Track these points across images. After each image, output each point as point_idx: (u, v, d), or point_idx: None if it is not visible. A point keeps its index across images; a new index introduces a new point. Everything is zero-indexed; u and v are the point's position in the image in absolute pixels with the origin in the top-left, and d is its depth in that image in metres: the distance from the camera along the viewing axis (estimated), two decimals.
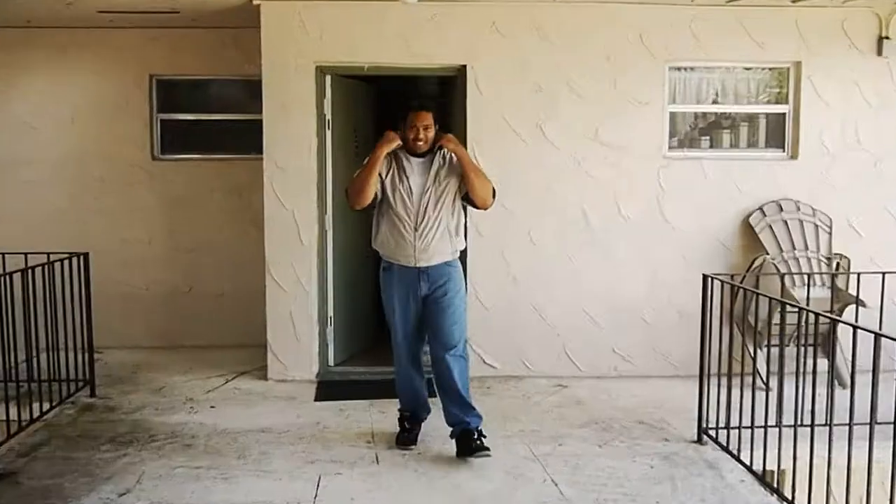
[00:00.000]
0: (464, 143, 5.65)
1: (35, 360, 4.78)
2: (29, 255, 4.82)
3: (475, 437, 4.15)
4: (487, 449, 4.10)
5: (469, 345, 5.81)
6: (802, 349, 4.69)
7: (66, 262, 5.07)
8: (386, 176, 4.15)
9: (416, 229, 4.09)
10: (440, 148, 4.19)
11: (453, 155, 4.17)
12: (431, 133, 4.15)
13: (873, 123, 5.96)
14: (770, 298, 4.20)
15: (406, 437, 4.41)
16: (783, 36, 5.85)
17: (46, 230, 6.61)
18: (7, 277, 4.38)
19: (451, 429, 4.28)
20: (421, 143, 4.13)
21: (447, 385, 4.23)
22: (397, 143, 4.11)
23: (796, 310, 4.04)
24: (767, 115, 6.10)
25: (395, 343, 4.37)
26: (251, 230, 6.65)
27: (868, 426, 3.14)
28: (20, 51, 6.70)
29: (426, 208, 4.10)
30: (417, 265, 4.13)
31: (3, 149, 6.75)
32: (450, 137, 4.17)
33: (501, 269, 5.81)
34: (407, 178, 4.15)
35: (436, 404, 4.43)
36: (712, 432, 4.44)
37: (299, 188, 5.75)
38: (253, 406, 5.23)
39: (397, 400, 4.54)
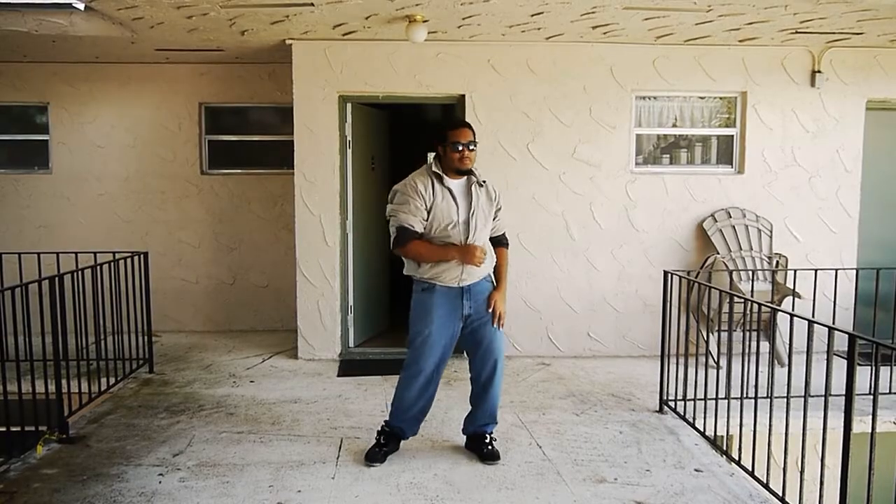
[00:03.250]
0: None
1: (103, 342, 4.79)
2: (98, 254, 4.84)
3: (487, 441, 3.70)
4: (498, 456, 3.67)
5: None
6: (747, 333, 4.70)
7: (128, 260, 5.07)
8: (430, 200, 3.40)
9: None
10: (471, 173, 3.49)
11: (491, 188, 3.57)
12: (475, 153, 3.46)
13: (808, 145, 5.95)
14: (720, 291, 4.19)
15: (376, 452, 3.65)
16: (732, 70, 5.84)
17: (116, 234, 6.68)
18: (80, 273, 4.38)
19: (463, 423, 3.81)
20: (467, 162, 3.42)
21: (489, 398, 3.63)
22: (477, 261, 3.39)
23: (742, 300, 4.03)
24: (718, 136, 6.08)
25: (421, 364, 3.52)
26: (284, 233, 6.68)
27: (803, 398, 3.14)
28: (90, 82, 6.71)
29: (475, 229, 3.43)
30: (461, 284, 3.45)
31: (79, 166, 6.77)
32: (499, 307, 3.56)
33: None
34: (454, 201, 3.42)
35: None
36: (672, 403, 4.44)
37: (325, 198, 5.75)
38: (285, 381, 5.23)
39: (390, 414, 3.73)
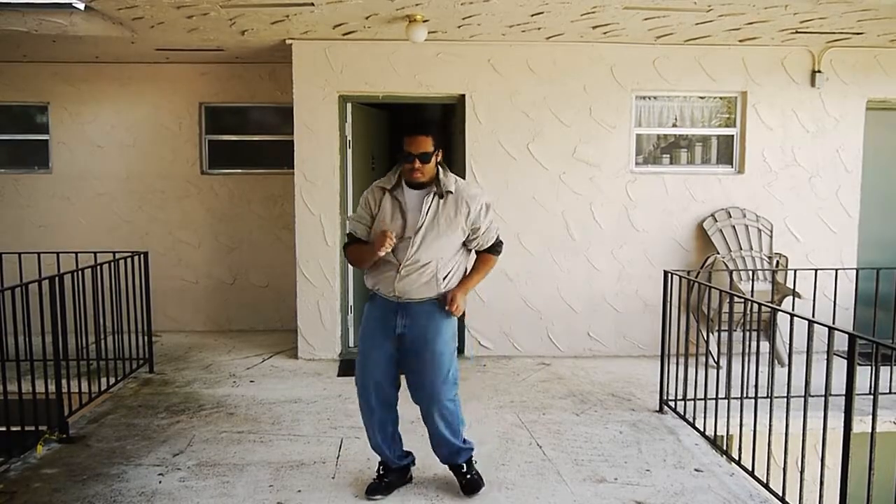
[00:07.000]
0: (463, 160, 5.69)
1: (103, 341, 4.80)
2: (98, 254, 4.84)
3: (464, 471, 3.30)
4: (479, 485, 3.28)
5: (470, 333, 5.83)
6: (747, 333, 4.70)
7: (128, 260, 5.07)
8: (377, 210, 3.05)
9: (398, 271, 2.98)
10: (438, 183, 3.00)
11: (462, 199, 3.01)
12: (431, 165, 2.95)
13: (808, 144, 5.95)
14: (720, 291, 4.19)
15: (377, 485, 3.28)
16: (732, 70, 5.84)
17: (116, 234, 6.68)
18: (80, 272, 4.39)
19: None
20: (418, 175, 2.95)
21: (435, 436, 3.24)
22: (389, 246, 2.90)
23: (742, 300, 4.03)
24: (718, 136, 6.08)
25: (363, 386, 3.15)
26: (284, 233, 6.68)
27: (803, 398, 3.14)
28: (90, 82, 6.71)
29: (417, 249, 2.96)
30: (398, 299, 3.03)
31: (78, 166, 6.77)
32: (457, 304, 3.06)
33: (496, 269, 5.75)
34: (401, 215, 3.00)
35: None
36: (672, 403, 4.44)
37: (325, 197, 5.75)
38: (285, 380, 5.23)
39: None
